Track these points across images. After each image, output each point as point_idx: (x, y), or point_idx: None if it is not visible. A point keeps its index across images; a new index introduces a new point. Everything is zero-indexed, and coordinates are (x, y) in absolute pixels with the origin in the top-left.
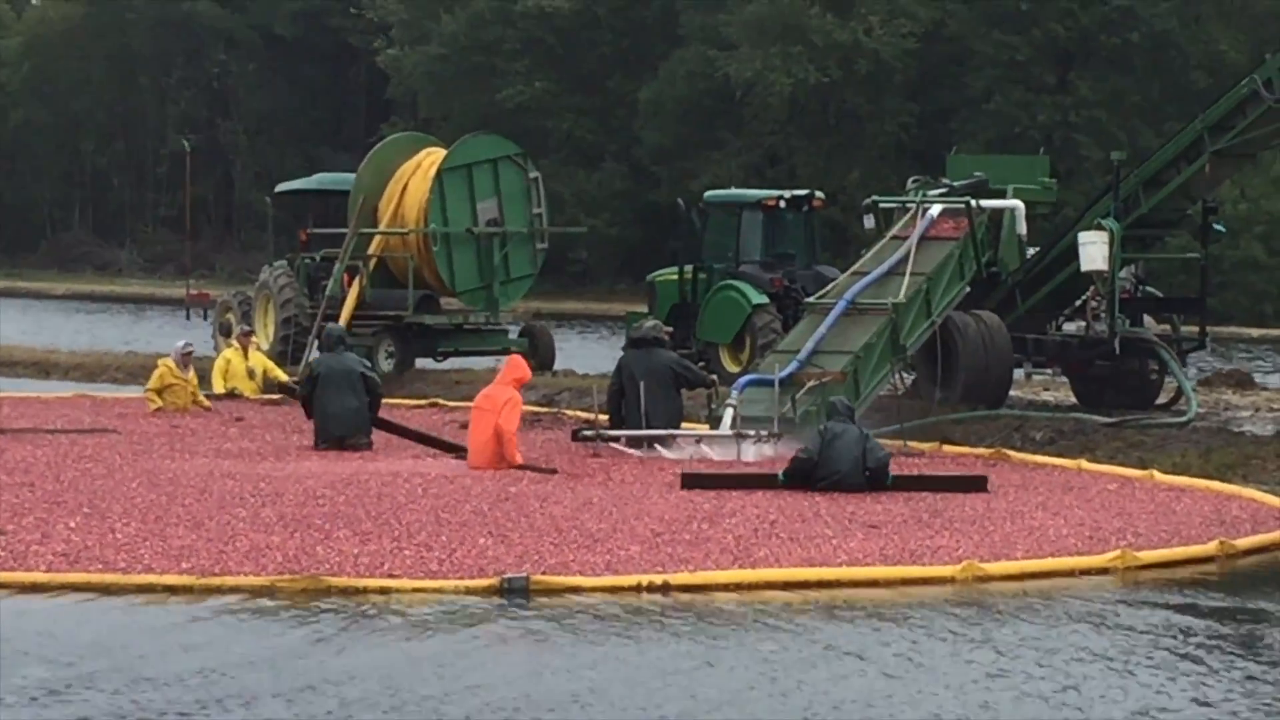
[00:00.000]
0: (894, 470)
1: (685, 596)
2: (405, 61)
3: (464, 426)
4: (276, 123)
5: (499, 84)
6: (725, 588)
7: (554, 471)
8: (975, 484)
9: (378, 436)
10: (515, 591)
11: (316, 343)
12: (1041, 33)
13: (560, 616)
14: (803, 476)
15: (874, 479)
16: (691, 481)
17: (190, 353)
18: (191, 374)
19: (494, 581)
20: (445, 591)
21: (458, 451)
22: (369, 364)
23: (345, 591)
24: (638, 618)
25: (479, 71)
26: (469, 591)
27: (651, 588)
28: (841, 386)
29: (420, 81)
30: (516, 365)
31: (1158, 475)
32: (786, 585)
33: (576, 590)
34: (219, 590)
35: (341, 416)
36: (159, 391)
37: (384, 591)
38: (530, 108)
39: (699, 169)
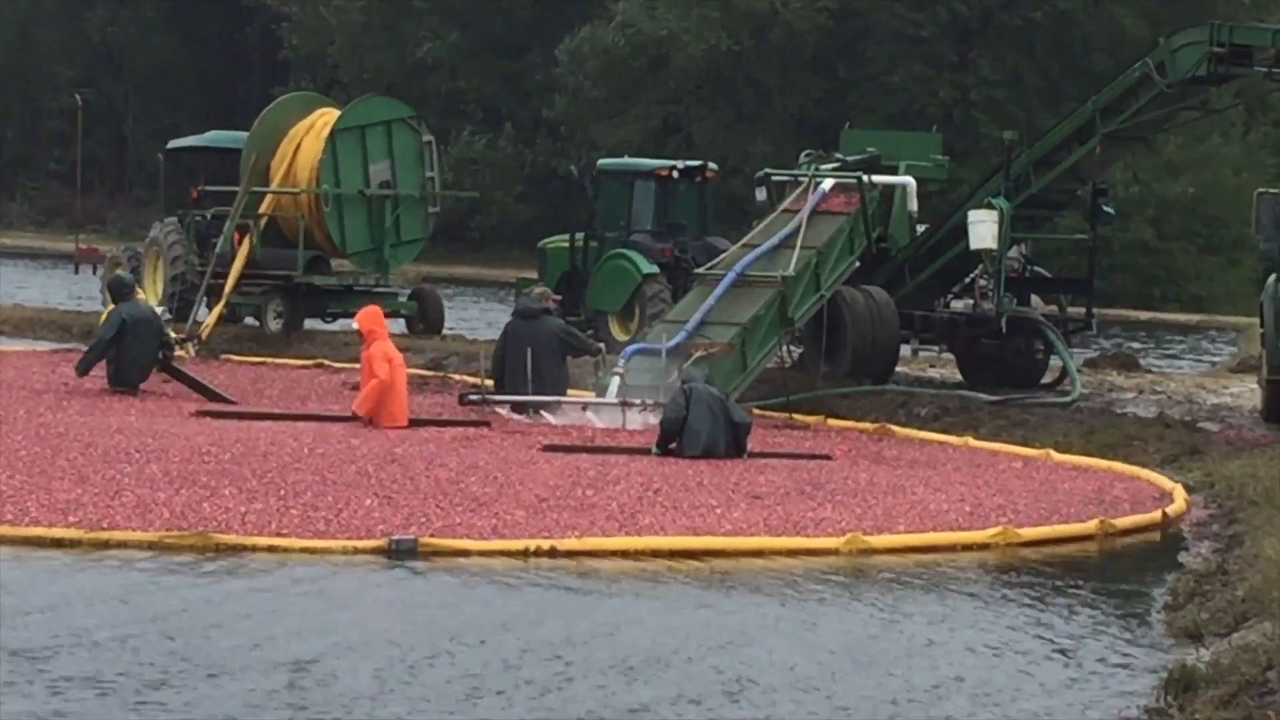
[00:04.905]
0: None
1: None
2: (309, 19)
3: (354, 388)
4: (169, 79)
5: (411, 46)
6: (611, 554)
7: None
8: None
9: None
10: (404, 553)
11: (206, 300)
12: (945, 9)
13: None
14: (675, 435)
15: (738, 439)
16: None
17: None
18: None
19: (382, 543)
20: (334, 551)
21: (226, 402)
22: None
23: (234, 549)
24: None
25: (391, 33)
26: (357, 552)
27: (539, 552)
28: (729, 358)
29: (327, 38)
30: (370, 316)
31: (1054, 455)
32: (672, 554)
33: (465, 554)
34: (107, 545)
35: (145, 364)
36: None
37: (272, 550)
38: (439, 68)
39: (602, 137)
